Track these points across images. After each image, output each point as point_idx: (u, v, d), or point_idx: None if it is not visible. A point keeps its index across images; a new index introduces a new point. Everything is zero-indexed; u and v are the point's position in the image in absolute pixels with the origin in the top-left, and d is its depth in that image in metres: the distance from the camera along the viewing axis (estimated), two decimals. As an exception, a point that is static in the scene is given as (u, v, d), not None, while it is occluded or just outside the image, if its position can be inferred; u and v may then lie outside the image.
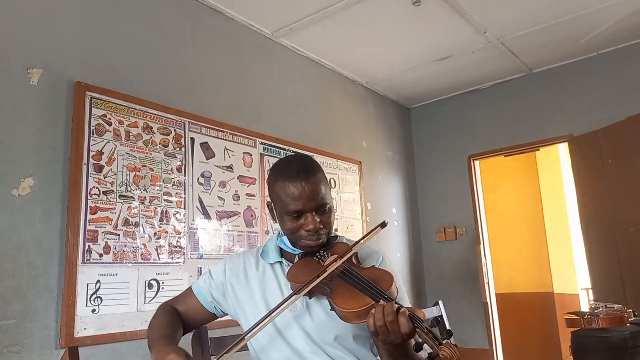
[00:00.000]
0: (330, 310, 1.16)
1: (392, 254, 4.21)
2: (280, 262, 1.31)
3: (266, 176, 3.07)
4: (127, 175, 2.34)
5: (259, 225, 2.99)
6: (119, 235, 2.25)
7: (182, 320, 1.34)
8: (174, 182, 2.54)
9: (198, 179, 2.67)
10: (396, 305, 1.02)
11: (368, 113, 4.33)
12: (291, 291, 1.19)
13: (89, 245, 2.13)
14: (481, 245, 4.30)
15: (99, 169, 2.23)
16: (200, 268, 2.57)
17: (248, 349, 1.31)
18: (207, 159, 2.75)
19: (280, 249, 1.34)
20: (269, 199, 1.31)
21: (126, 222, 2.29)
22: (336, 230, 1.22)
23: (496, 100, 4.41)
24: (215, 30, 2.99)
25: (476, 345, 4.23)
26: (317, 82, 3.79)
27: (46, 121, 2.10)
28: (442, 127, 4.72)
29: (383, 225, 1.25)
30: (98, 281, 2.14)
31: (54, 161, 2.10)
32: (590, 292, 3.82)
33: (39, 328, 1.94)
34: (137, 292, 2.28)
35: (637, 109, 3.48)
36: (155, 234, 2.40)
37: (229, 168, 2.88)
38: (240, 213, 2.88)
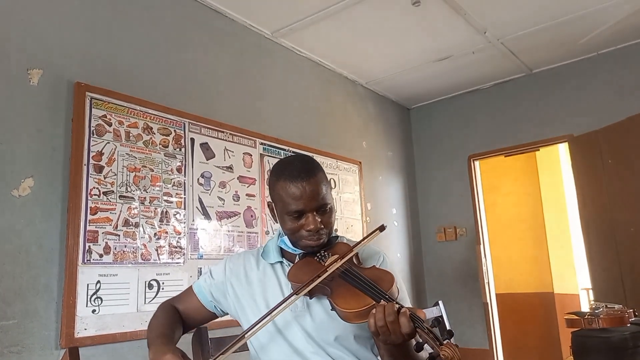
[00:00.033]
0: (331, 310, 1.16)
1: (392, 254, 4.21)
2: (281, 262, 1.31)
3: (266, 177, 3.09)
4: (127, 175, 2.34)
5: (259, 225, 2.99)
6: (119, 235, 2.25)
7: (182, 319, 1.35)
8: (174, 182, 2.54)
9: (198, 179, 2.67)
10: (397, 306, 1.02)
11: (368, 113, 4.33)
12: (292, 291, 1.19)
13: (89, 246, 2.13)
14: (481, 246, 4.29)
15: (99, 169, 2.23)
16: (201, 268, 2.57)
17: (248, 349, 1.31)
18: (207, 160, 2.75)
19: (281, 249, 1.34)
20: (269, 199, 1.31)
21: (126, 223, 2.29)
22: (336, 230, 1.22)
23: (496, 100, 4.41)
24: (215, 30, 2.99)
25: (476, 346, 4.22)
26: (317, 83, 3.79)
27: (46, 122, 2.10)
28: (442, 127, 4.72)
29: (382, 228, 1.24)
30: (98, 281, 2.14)
31: (54, 162, 2.10)
32: (591, 292, 3.82)
33: (40, 328, 1.94)
34: (137, 292, 2.28)
35: (637, 109, 3.48)
36: (155, 234, 2.40)
37: (229, 168, 2.88)
38: (240, 213, 2.88)
